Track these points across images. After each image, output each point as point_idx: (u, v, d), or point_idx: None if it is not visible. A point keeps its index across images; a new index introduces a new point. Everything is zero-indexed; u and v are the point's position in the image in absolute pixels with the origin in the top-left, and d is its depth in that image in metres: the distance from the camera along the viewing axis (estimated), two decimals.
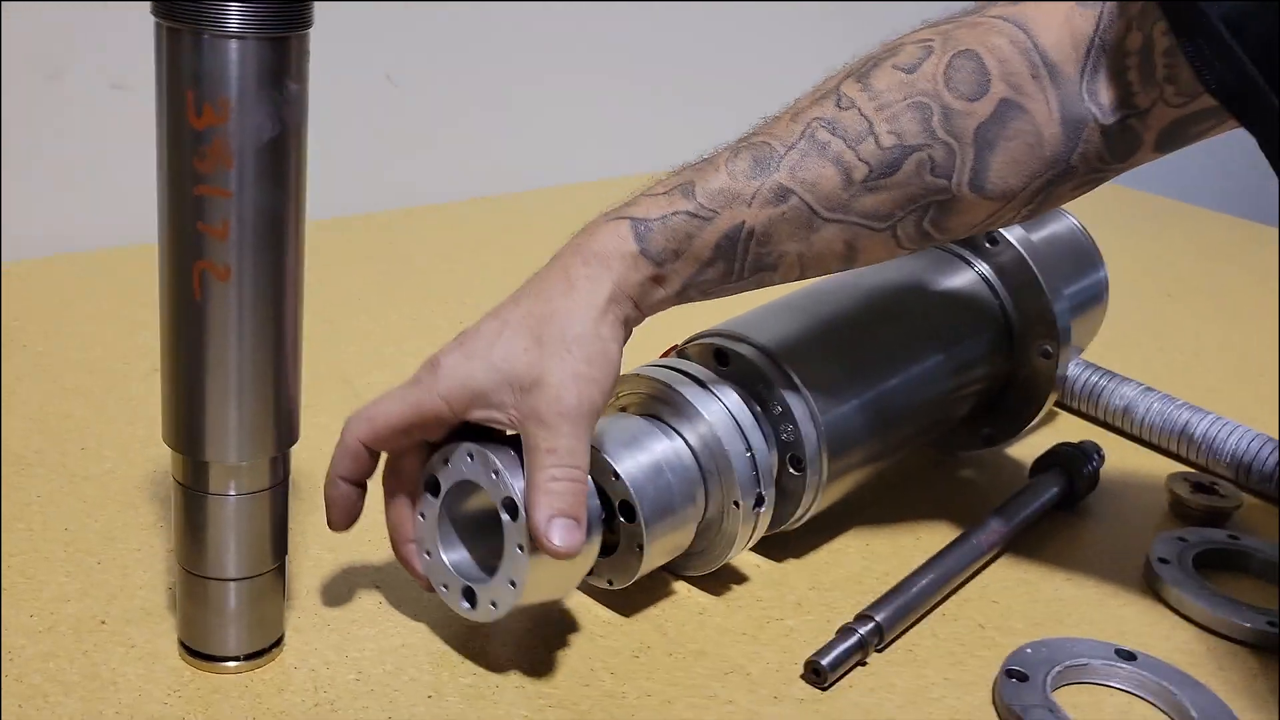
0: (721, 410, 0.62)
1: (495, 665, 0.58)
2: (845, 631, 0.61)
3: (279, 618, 0.56)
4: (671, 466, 0.61)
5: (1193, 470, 0.81)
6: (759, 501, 0.62)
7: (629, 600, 0.63)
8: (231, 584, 0.54)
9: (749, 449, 0.62)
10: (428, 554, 0.57)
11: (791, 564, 0.68)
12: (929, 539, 0.72)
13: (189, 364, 0.50)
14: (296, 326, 0.51)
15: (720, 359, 0.66)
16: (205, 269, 0.47)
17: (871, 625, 0.61)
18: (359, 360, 0.88)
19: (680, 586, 0.65)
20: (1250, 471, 0.80)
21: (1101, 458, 0.77)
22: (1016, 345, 0.76)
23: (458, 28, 1.22)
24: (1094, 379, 0.88)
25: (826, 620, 0.63)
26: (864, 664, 0.60)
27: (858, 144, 0.55)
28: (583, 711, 0.55)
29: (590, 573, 0.59)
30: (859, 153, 0.55)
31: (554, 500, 0.52)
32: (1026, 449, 0.81)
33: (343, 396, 0.81)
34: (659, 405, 0.63)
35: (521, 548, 0.53)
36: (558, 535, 0.51)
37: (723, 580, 0.66)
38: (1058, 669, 0.60)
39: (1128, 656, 0.61)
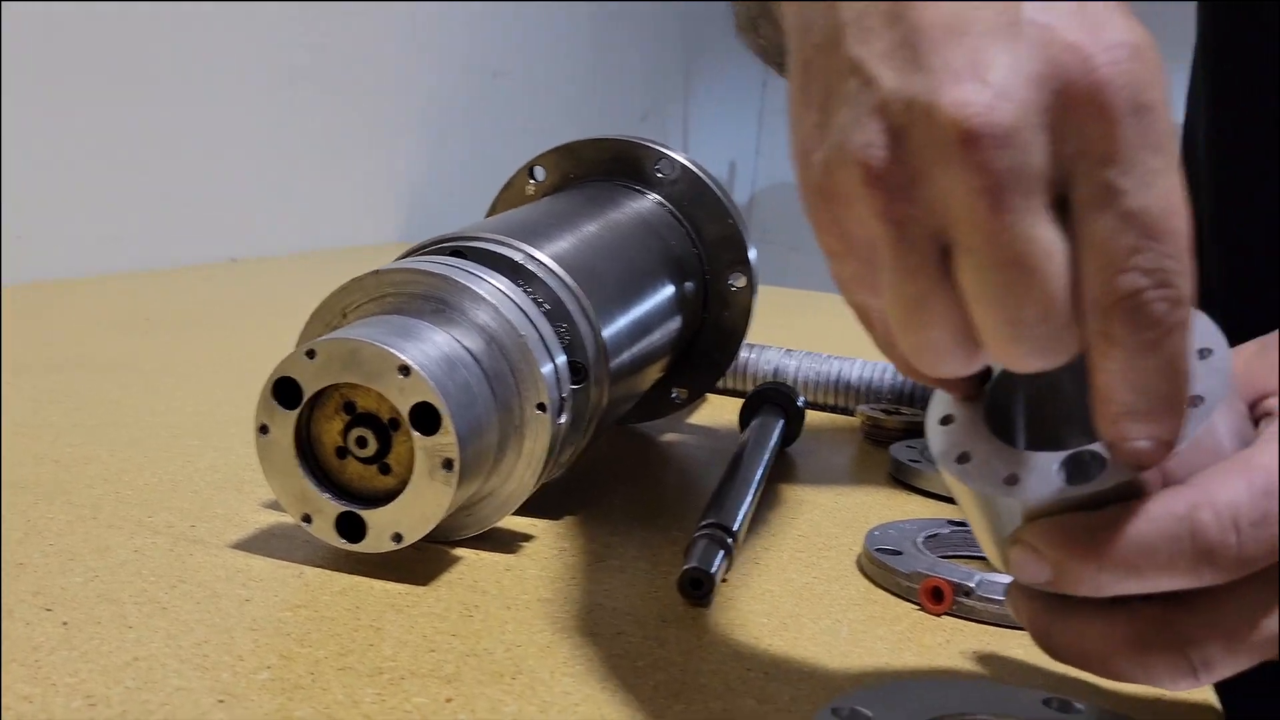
0: (501, 295, 0.48)
1: (289, 656, 0.39)
2: (699, 540, 0.49)
3: None
4: (463, 362, 0.46)
5: (874, 403, 0.79)
6: (562, 407, 0.49)
7: (409, 568, 0.46)
8: None
9: (542, 339, 0.49)
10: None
11: (569, 520, 0.55)
12: (686, 484, 0.62)
13: None
14: None
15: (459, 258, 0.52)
16: None
17: (719, 529, 0.49)
18: None
19: (464, 552, 0.49)
20: (914, 400, 0.80)
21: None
22: (708, 280, 0.70)
23: None
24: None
25: (651, 559, 0.51)
26: (725, 578, 0.49)
27: None
28: (452, 682, 0.38)
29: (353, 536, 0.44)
30: None
31: None
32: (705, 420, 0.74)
33: None
34: (415, 302, 0.48)
35: None
36: None
37: (504, 541, 0.51)
38: (921, 539, 0.52)
39: (960, 524, 0.56)
